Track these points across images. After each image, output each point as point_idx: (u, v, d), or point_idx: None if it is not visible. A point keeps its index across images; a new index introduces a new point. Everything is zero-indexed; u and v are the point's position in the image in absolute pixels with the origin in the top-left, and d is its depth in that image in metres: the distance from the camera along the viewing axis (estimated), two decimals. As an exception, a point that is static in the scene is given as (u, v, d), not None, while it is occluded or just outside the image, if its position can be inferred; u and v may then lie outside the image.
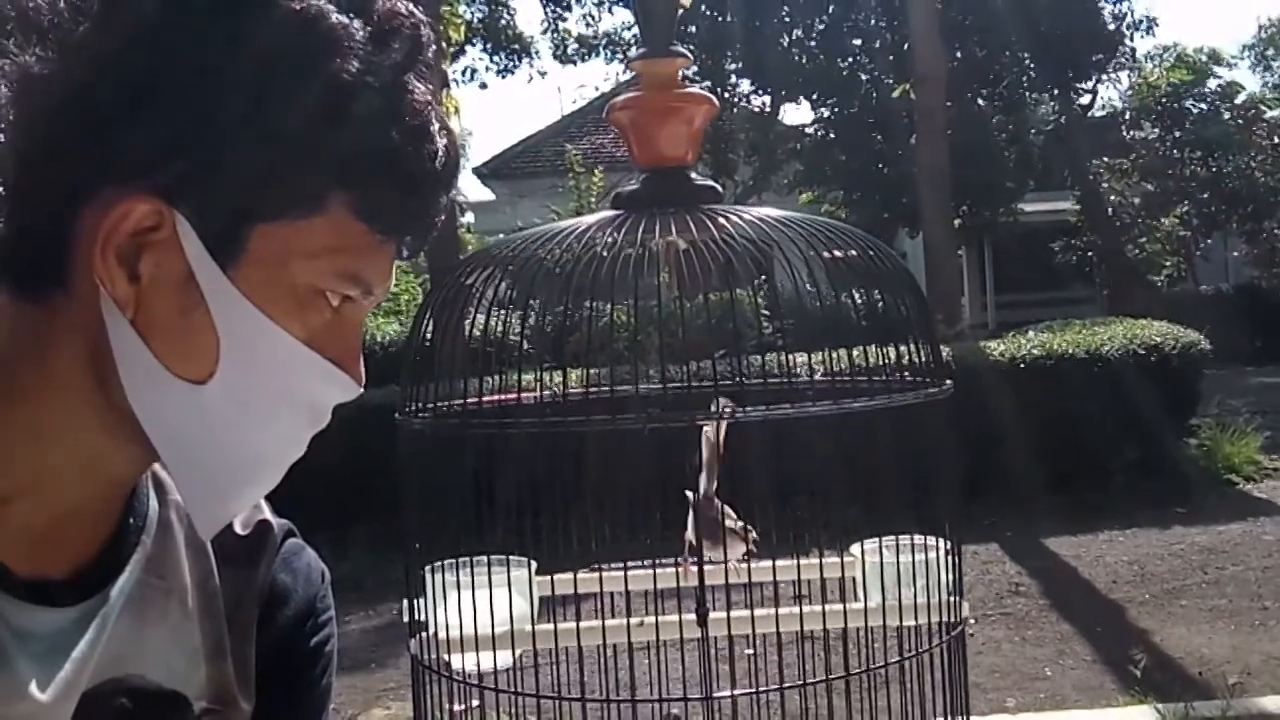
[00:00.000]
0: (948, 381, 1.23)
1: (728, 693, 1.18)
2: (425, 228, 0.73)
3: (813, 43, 18.53)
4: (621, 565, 1.39)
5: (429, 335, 1.19)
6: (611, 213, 1.24)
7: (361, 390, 0.74)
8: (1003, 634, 5.19)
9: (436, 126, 0.70)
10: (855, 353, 1.27)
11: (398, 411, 1.22)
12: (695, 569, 1.22)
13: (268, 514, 0.85)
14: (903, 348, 1.26)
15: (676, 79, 1.27)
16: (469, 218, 20.16)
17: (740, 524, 1.41)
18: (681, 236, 1.21)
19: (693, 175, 1.28)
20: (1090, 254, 19.32)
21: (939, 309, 10.63)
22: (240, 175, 0.65)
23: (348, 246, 0.69)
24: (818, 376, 1.22)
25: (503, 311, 1.27)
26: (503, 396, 1.22)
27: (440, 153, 0.71)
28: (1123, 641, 4.92)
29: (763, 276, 1.38)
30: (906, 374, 1.26)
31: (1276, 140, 18.67)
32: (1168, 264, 19.53)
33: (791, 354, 1.52)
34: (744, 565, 1.42)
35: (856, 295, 1.25)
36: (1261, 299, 16.89)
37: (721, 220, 1.17)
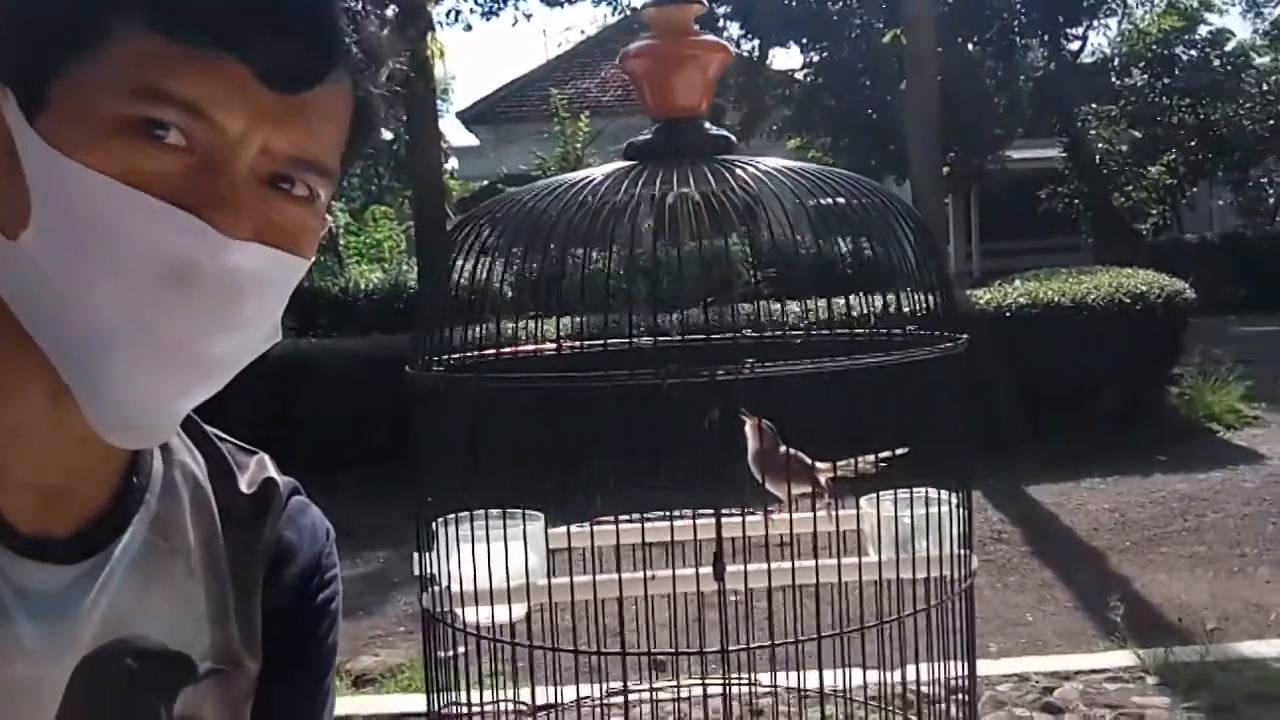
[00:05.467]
0: (963, 336, 1.23)
1: (741, 646, 1.19)
2: (265, 29, 0.63)
3: (803, -14, 18.29)
4: (628, 518, 1.39)
5: (455, 286, 1.16)
6: (625, 164, 1.22)
7: (225, 239, 0.64)
8: (984, 580, 5.25)
9: None
10: (872, 305, 1.26)
11: (409, 365, 1.20)
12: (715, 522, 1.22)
13: (273, 472, 0.84)
14: (916, 296, 1.25)
15: (691, 26, 1.24)
16: (453, 163, 19.94)
17: (810, 462, 1.39)
18: (696, 188, 1.19)
19: (706, 125, 1.26)
20: (1077, 202, 19.30)
21: (926, 257, 10.61)
22: (14, 24, 0.64)
23: (147, 64, 0.62)
24: (833, 330, 1.21)
25: (512, 264, 1.25)
26: (517, 349, 1.21)
27: None
28: (1103, 588, 4.98)
29: (782, 229, 1.36)
30: (918, 329, 1.25)
31: (1265, 88, 18.63)
32: (1153, 212, 19.55)
33: (812, 301, 1.48)
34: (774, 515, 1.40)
35: (876, 248, 1.23)
36: (1246, 248, 16.92)
37: (739, 171, 1.15)
